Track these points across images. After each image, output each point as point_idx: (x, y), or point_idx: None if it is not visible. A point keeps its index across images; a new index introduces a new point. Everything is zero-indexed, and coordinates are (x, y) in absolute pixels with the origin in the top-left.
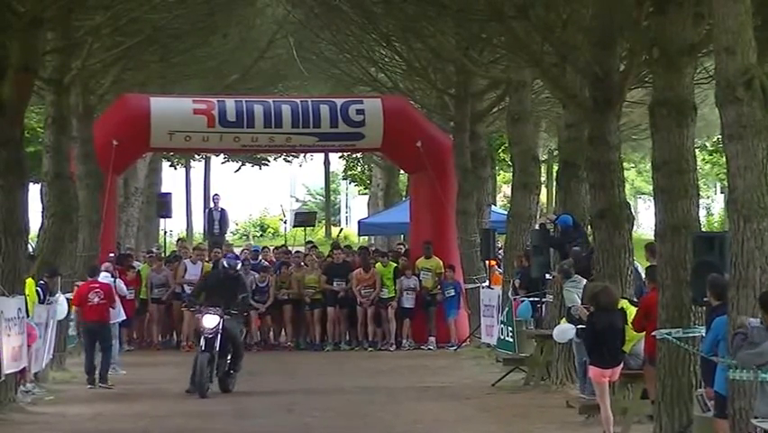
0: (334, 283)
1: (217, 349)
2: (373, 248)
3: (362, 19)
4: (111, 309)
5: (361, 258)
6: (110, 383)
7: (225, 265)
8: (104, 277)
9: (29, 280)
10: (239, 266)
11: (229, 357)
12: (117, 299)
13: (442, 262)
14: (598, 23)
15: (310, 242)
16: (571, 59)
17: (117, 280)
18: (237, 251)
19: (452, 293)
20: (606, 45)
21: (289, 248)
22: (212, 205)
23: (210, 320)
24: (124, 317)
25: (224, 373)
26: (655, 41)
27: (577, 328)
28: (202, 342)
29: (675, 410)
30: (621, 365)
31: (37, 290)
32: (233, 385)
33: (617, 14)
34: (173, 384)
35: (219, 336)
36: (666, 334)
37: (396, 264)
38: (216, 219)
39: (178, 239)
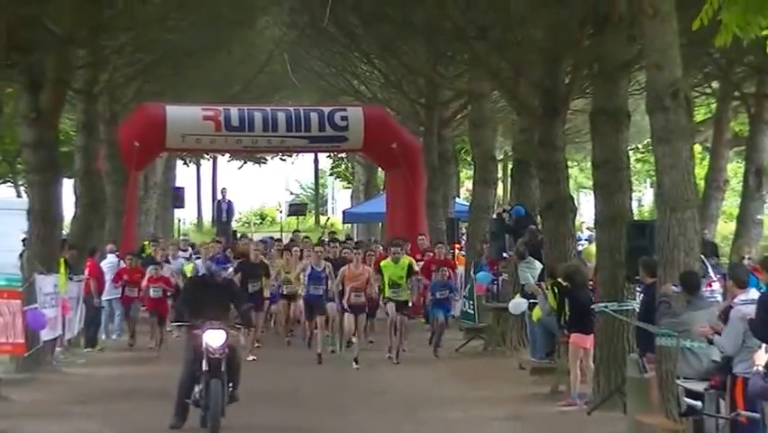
0: (249, 286)
1: (225, 374)
2: (373, 240)
3: (346, 39)
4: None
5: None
6: (98, 348)
7: (207, 272)
8: (109, 257)
9: (61, 261)
10: (230, 270)
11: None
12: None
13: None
14: (547, 42)
15: (271, 238)
16: (524, 74)
17: (120, 261)
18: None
19: (446, 294)
20: (553, 62)
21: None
22: (220, 197)
23: (215, 338)
24: (118, 295)
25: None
26: (595, 59)
27: (529, 302)
28: (205, 365)
29: (611, 372)
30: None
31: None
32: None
33: (563, 35)
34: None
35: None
36: (603, 307)
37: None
38: (224, 210)
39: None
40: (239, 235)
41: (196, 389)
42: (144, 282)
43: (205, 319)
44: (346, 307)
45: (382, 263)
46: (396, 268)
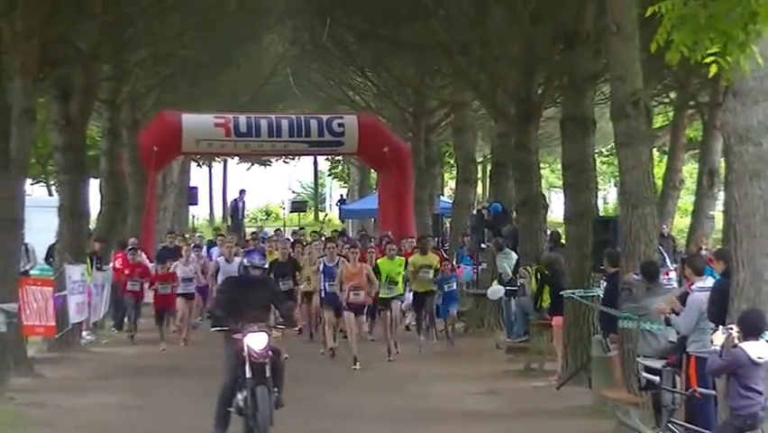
0: (280, 284)
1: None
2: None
3: (343, 55)
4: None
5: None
6: (124, 330)
7: (247, 266)
8: None
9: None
10: (266, 265)
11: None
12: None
13: (438, 258)
14: (522, 57)
15: (277, 230)
16: (502, 85)
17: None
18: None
19: (453, 286)
20: (528, 74)
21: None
22: (237, 196)
23: (257, 341)
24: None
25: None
26: (565, 71)
27: (506, 289)
28: (248, 371)
29: (578, 351)
30: None
31: (91, 259)
32: None
33: (536, 51)
34: (202, 335)
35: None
36: (571, 293)
37: (404, 259)
38: (240, 208)
39: (215, 228)
40: (263, 230)
41: (239, 396)
42: (151, 279)
43: (245, 322)
44: (345, 306)
45: (378, 261)
46: (392, 264)
